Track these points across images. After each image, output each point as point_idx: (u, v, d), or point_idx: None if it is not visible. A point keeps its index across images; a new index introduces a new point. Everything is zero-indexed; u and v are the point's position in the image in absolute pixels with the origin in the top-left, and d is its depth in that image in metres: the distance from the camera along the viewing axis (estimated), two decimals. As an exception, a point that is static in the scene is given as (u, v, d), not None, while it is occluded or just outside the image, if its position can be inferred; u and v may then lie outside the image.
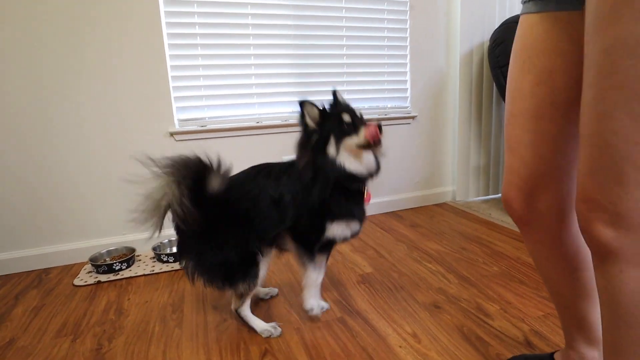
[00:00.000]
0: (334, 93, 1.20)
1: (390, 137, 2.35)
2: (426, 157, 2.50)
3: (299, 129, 1.16)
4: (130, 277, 1.68)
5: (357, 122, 1.11)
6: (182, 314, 1.37)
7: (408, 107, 2.38)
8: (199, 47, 1.91)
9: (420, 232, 2.06)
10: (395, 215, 2.36)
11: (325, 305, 1.33)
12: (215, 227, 1.14)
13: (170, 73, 1.88)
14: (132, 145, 1.86)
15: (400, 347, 1.14)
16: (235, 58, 1.99)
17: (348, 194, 1.14)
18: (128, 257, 1.76)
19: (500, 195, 2.57)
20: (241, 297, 1.22)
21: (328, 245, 1.25)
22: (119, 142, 1.85)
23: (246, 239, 1.14)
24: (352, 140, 1.09)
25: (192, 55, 1.91)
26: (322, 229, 1.14)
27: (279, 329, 1.22)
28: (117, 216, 1.91)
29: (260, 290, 1.43)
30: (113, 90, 1.80)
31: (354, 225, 1.18)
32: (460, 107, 2.38)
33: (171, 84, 1.88)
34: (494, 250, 1.79)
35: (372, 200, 2.35)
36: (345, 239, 1.20)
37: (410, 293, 1.44)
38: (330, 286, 1.51)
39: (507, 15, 2.34)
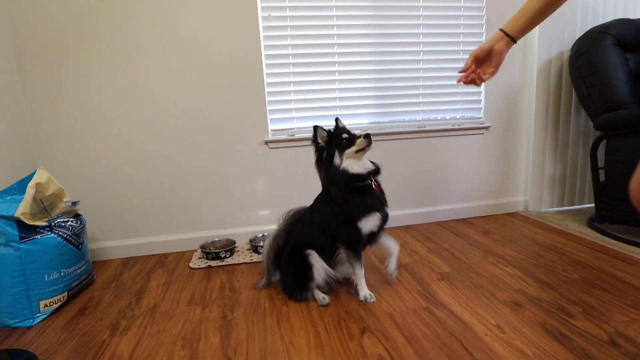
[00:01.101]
0: (336, 120, 1.61)
1: (462, 147, 2.46)
2: (498, 167, 2.56)
3: (313, 148, 1.54)
4: (234, 264, 1.96)
5: (352, 137, 1.49)
6: (285, 295, 1.61)
7: (481, 117, 2.47)
8: (291, 66, 2.19)
9: (494, 238, 2.14)
10: (466, 222, 2.44)
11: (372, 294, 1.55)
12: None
13: (267, 89, 2.17)
14: (235, 151, 2.18)
15: (486, 335, 1.26)
16: (322, 75, 2.24)
17: (361, 192, 1.46)
18: (230, 247, 2.06)
19: (576, 206, 2.55)
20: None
21: (367, 242, 1.53)
22: (225, 149, 2.17)
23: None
24: (351, 149, 1.46)
25: (285, 73, 2.19)
26: (357, 229, 1.45)
27: (328, 300, 1.50)
28: (219, 212, 2.23)
29: (344, 272, 1.64)
30: (221, 103, 2.13)
31: (377, 214, 1.47)
32: (536, 117, 2.42)
33: (267, 98, 2.17)
34: (572, 258, 1.82)
35: (444, 207, 2.47)
36: (380, 228, 1.49)
37: (490, 291, 1.55)
38: (412, 281, 1.67)
39: (589, 25, 2.35)
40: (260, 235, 2.18)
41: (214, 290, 1.69)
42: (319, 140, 1.51)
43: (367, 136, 1.45)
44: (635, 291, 1.49)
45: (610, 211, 2.15)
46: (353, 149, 1.46)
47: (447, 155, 2.45)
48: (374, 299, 1.50)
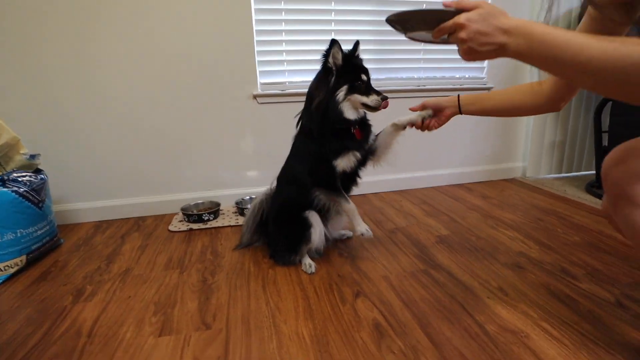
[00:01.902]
0: (356, 44, 1.33)
1: (461, 108, 2.32)
2: (498, 131, 2.44)
3: (320, 63, 1.30)
4: (218, 227, 1.83)
5: (369, 85, 1.30)
6: (272, 259, 1.49)
7: (484, 77, 2.32)
8: (283, 12, 1.99)
9: (492, 202, 2.04)
10: (463, 187, 2.34)
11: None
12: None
13: (256, 37, 1.97)
14: (220, 106, 2.00)
15: (488, 297, 1.17)
16: (316, 24, 2.04)
17: (340, 134, 1.31)
18: (214, 209, 1.92)
19: (574, 173, 2.47)
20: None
21: (347, 181, 1.39)
22: (210, 103, 1.99)
23: (297, 215, 1.38)
24: (360, 98, 1.27)
25: (276, 21, 1.99)
26: (332, 167, 1.31)
27: (314, 269, 1.37)
28: (203, 172, 2.07)
29: (334, 233, 1.54)
30: (203, 52, 1.92)
31: (354, 154, 1.33)
32: (539, 79, 2.28)
33: (256, 48, 1.98)
34: (573, 222, 1.75)
35: (441, 171, 2.36)
36: (353, 169, 1.35)
37: (491, 254, 1.46)
38: (409, 244, 1.57)
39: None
40: (248, 197, 2.04)
41: (195, 253, 1.56)
42: (330, 61, 1.27)
43: (385, 99, 1.26)
44: (641, 254, 1.42)
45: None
46: (364, 99, 1.27)
47: (445, 117, 2.31)
48: (370, 233, 1.35)
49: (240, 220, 1.89)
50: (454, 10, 0.74)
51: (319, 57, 2.18)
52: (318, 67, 2.19)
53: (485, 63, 2.31)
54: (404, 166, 2.31)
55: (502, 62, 2.32)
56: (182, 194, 2.06)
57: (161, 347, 1.01)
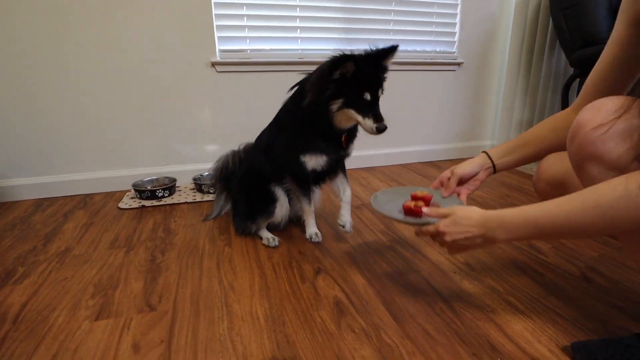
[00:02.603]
0: (391, 50, 1.10)
1: (433, 84, 2.26)
2: (468, 108, 2.41)
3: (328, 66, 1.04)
4: (174, 204, 1.70)
5: (373, 105, 1.08)
6: (229, 235, 1.38)
7: (455, 52, 2.26)
8: (244, -27, 1.82)
9: (461, 180, 2.01)
10: (432, 164, 2.31)
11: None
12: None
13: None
14: (173, 74, 1.83)
15: (454, 272, 1.13)
16: (281, -13, 1.90)
17: (322, 136, 1.18)
18: (169, 185, 1.77)
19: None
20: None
21: (316, 180, 1.30)
22: (160, 72, 1.81)
23: (263, 185, 1.28)
24: (356, 116, 1.09)
25: (237, -18, 1.82)
26: (301, 163, 1.19)
27: (277, 242, 1.30)
28: (158, 147, 1.91)
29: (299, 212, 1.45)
30: (152, 15, 1.74)
31: (324, 157, 1.20)
32: (510, 56, 2.26)
33: (214, 11, 1.81)
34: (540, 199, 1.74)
35: (410, 148, 2.31)
36: (326, 170, 1.24)
37: (458, 230, 1.41)
38: (374, 219, 1.50)
39: (572, -46, 2.15)
40: (207, 173, 1.91)
41: (145, 231, 1.43)
42: (336, 74, 1.04)
43: (381, 130, 1.07)
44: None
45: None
46: (359, 118, 1.08)
47: (417, 92, 2.25)
48: (319, 239, 1.30)
49: (199, 197, 1.76)
50: (433, 222, 0.85)
51: (284, 23, 2.04)
52: (284, 34, 2.06)
53: (456, 37, 2.24)
54: (372, 143, 2.23)
55: (472, 37, 2.26)
56: (136, 169, 1.90)
57: (97, 332, 0.90)
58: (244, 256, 1.23)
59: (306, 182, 1.26)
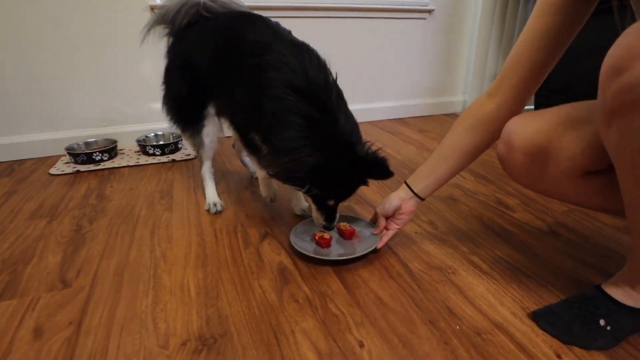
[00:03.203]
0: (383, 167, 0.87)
1: (402, 34, 2.09)
2: (439, 61, 2.26)
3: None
4: (113, 168, 1.52)
5: (333, 209, 0.91)
6: (171, 199, 1.24)
7: (426, -2, 2.08)
8: None
9: (429, 136, 1.90)
10: (401, 121, 2.18)
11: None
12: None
13: None
14: (108, 20, 1.59)
15: (416, 232, 1.03)
16: None
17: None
18: (108, 147, 1.58)
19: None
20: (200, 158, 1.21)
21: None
22: (94, 17, 1.57)
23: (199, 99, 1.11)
24: (313, 205, 0.92)
25: None
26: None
27: (221, 207, 1.16)
28: (97, 106, 1.69)
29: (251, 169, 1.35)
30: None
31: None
32: (483, 5, 2.10)
33: (149, -57, 1.55)
34: (510, 154, 1.65)
35: (377, 105, 2.17)
36: None
37: (424, 187, 1.31)
38: (335, 179, 1.38)
39: None
40: (152, 134, 1.72)
41: (74, 198, 1.26)
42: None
43: (328, 229, 0.93)
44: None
45: (549, 105, 2.00)
46: (314, 212, 0.92)
47: (384, 43, 2.07)
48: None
49: (142, 159, 1.58)
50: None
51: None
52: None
53: (429, -20, 2.05)
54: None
55: (446, -20, 2.08)
56: (72, 131, 1.69)
57: (-5, 315, 0.76)
58: (184, 222, 1.09)
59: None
